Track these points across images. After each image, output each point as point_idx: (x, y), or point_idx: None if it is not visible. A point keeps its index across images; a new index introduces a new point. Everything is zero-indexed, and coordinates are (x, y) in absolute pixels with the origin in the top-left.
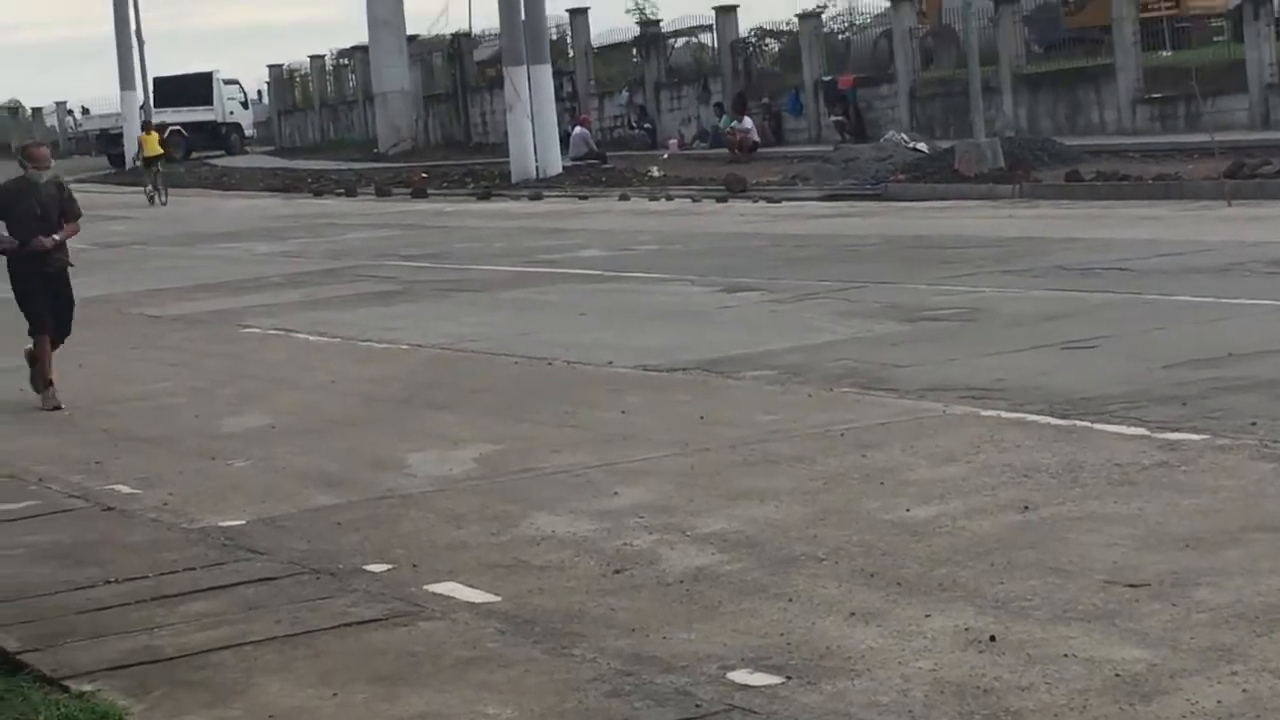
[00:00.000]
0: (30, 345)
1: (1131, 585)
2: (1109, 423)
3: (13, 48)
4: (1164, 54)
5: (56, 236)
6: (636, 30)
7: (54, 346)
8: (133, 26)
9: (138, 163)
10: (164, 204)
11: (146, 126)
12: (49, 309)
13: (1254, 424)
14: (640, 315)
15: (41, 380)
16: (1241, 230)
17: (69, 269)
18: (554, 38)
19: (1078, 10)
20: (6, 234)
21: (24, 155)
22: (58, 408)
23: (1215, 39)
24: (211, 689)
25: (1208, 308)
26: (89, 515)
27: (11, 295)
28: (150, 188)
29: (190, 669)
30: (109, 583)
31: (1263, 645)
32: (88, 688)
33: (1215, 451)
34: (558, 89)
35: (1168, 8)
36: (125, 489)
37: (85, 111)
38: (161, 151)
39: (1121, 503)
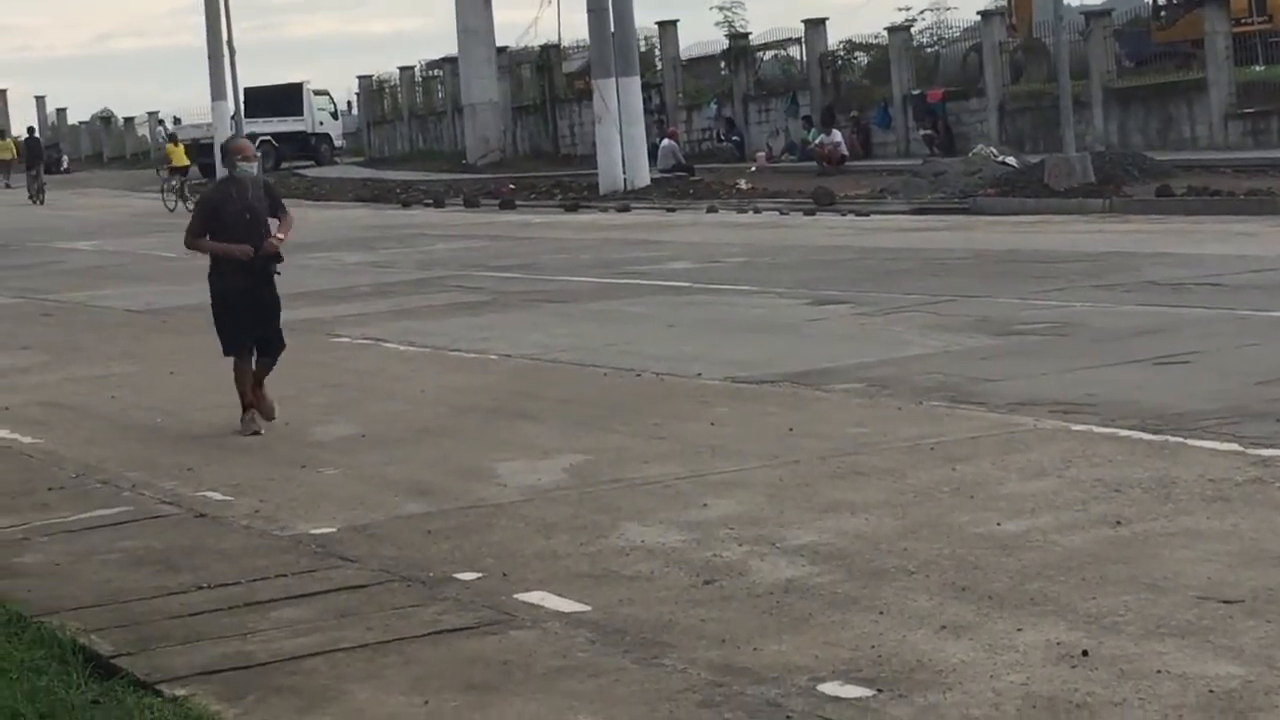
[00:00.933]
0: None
1: (1225, 601)
2: (1202, 438)
3: (106, 57)
4: (1257, 68)
5: (280, 235)
6: (725, 43)
7: (266, 363)
8: (224, 37)
9: (162, 173)
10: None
11: (173, 139)
12: (253, 325)
13: None
14: (728, 327)
15: (244, 401)
16: None
17: (276, 275)
18: (642, 50)
19: (1169, 24)
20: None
21: (227, 151)
22: (256, 433)
23: None
24: (303, 695)
25: None
26: (181, 521)
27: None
28: (172, 197)
29: (282, 675)
30: (201, 588)
31: None
32: (181, 692)
33: None
34: (646, 101)
35: (1261, 22)
36: (217, 496)
37: (177, 121)
38: (187, 163)
39: (1215, 519)
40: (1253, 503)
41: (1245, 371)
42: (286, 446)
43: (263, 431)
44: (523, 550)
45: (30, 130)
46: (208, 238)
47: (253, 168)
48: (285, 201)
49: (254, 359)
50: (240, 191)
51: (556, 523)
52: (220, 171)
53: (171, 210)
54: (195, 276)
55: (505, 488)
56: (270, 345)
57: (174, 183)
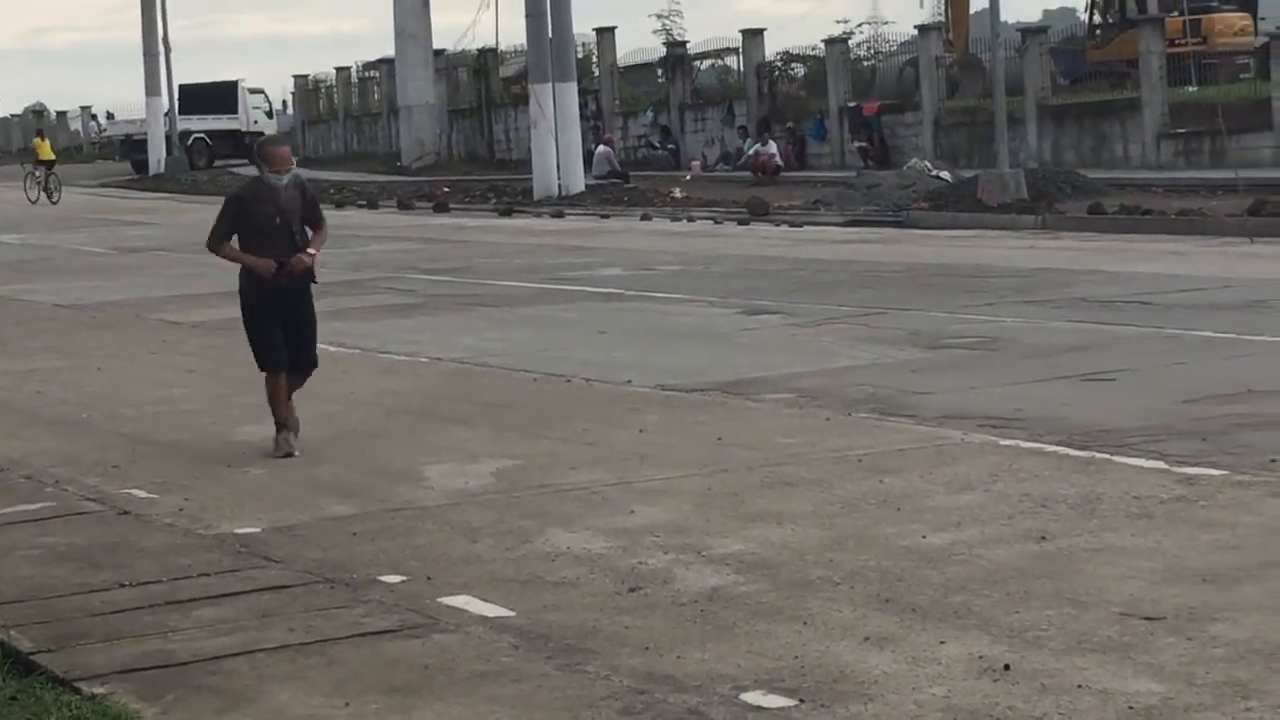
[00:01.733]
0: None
1: (1147, 618)
2: (1128, 455)
3: (41, 51)
4: (1190, 89)
5: (311, 250)
6: (663, 51)
7: (296, 381)
8: (160, 33)
9: (27, 166)
10: (54, 203)
11: (40, 133)
12: (287, 340)
13: (1274, 461)
14: (660, 335)
15: (278, 420)
16: (1264, 268)
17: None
18: (580, 56)
19: (1104, 43)
20: (235, 246)
21: (261, 156)
22: (290, 454)
23: (1242, 76)
24: (224, 695)
25: (1229, 344)
26: (105, 519)
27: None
28: (35, 189)
29: (203, 674)
30: (123, 586)
31: (1278, 681)
32: (100, 690)
33: (1234, 487)
34: (582, 107)
35: (1195, 44)
36: (141, 493)
37: (110, 117)
38: (54, 157)
39: (1139, 535)
40: (1176, 520)
41: (1172, 390)
42: (212, 445)
43: (296, 453)
44: (448, 554)
45: None
46: (234, 242)
47: (284, 179)
48: (217, 200)
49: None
50: (272, 192)
51: (482, 527)
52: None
53: (34, 202)
54: (124, 272)
55: (432, 491)
56: (302, 363)
57: (38, 174)
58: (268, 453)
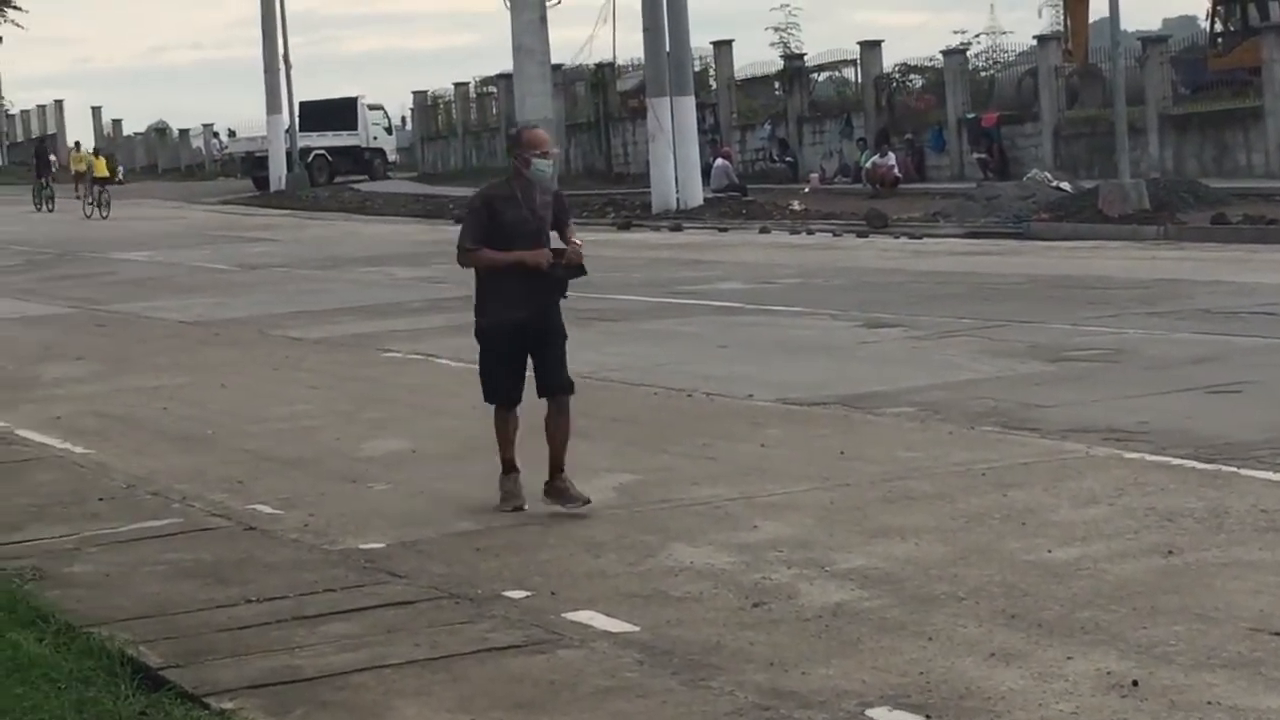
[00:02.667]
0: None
1: (1277, 633)
2: (1255, 468)
3: (162, 69)
4: None
5: (577, 240)
6: (780, 63)
7: (558, 416)
8: (280, 50)
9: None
10: (104, 218)
11: (98, 152)
12: (536, 363)
13: None
14: (780, 349)
15: (504, 460)
16: None
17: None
18: (697, 69)
19: (1226, 52)
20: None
21: (518, 142)
22: (520, 508)
23: None
24: (350, 710)
25: None
26: (231, 534)
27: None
28: (90, 202)
29: (330, 690)
30: (250, 602)
31: None
32: (228, 705)
33: None
34: (700, 120)
35: None
36: (267, 509)
37: (231, 134)
38: (108, 175)
39: (1268, 550)
40: None
41: None
42: (336, 461)
43: (525, 507)
44: (571, 569)
45: (40, 139)
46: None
47: (549, 167)
48: (353, 217)
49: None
50: (526, 194)
51: (605, 542)
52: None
53: (88, 218)
54: (246, 290)
55: (555, 506)
56: (553, 386)
57: (91, 192)
58: (500, 503)
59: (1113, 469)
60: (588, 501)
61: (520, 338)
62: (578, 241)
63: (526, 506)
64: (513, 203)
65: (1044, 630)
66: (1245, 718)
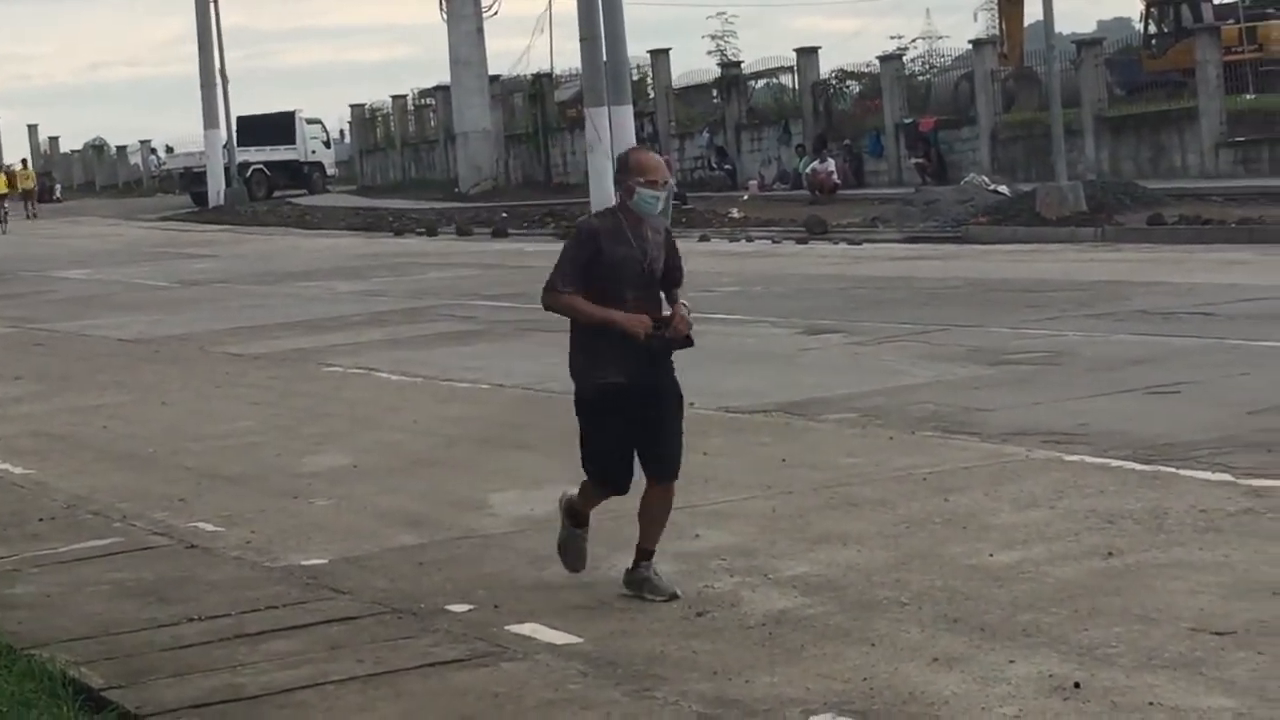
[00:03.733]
0: (575, 492)
1: (1218, 633)
2: (1194, 469)
3: (99, 86)
4: (1247, 97)
5: (685, 304)
6: (717, 71)
7: (661, 494)
8: (217, 65)
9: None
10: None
11: (25, 163)
12: (643, 434)
13: None
14: (721, 357)
15: (576, 517)
16: None
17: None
18: (635, 78)
19: (1160, 54)
20: (576, 299)
21: (624, 167)
22: (577, 570)
23: None
24: None
25: None
26: (172, 553)
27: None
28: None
29: (272, 708)
30: (192, 620)
31: None
32: None
33: None
34: (638, 129)
35: (1251, 51)
36: (208, 527)
37: (169, 150)
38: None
39: (1207, 550)
40: (1245, 533)
41: (1236, 401)
42: (278, 477)
43: (582, 568)
44: (515, 582)
45: None
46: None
47: (659, 200)
48: (292, 231)
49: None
50: (636, 230)
51: (549, 554)
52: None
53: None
54: (185, 306)
55: (498, 518)
56: (664, 464)
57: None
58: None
59: (1053, 471)
60: (676, 596)
61: (631, 411)
62: (686, 305)
63: (581, 568)
64: (620, 240)
65: (986, 634)
66: (1186, 718)
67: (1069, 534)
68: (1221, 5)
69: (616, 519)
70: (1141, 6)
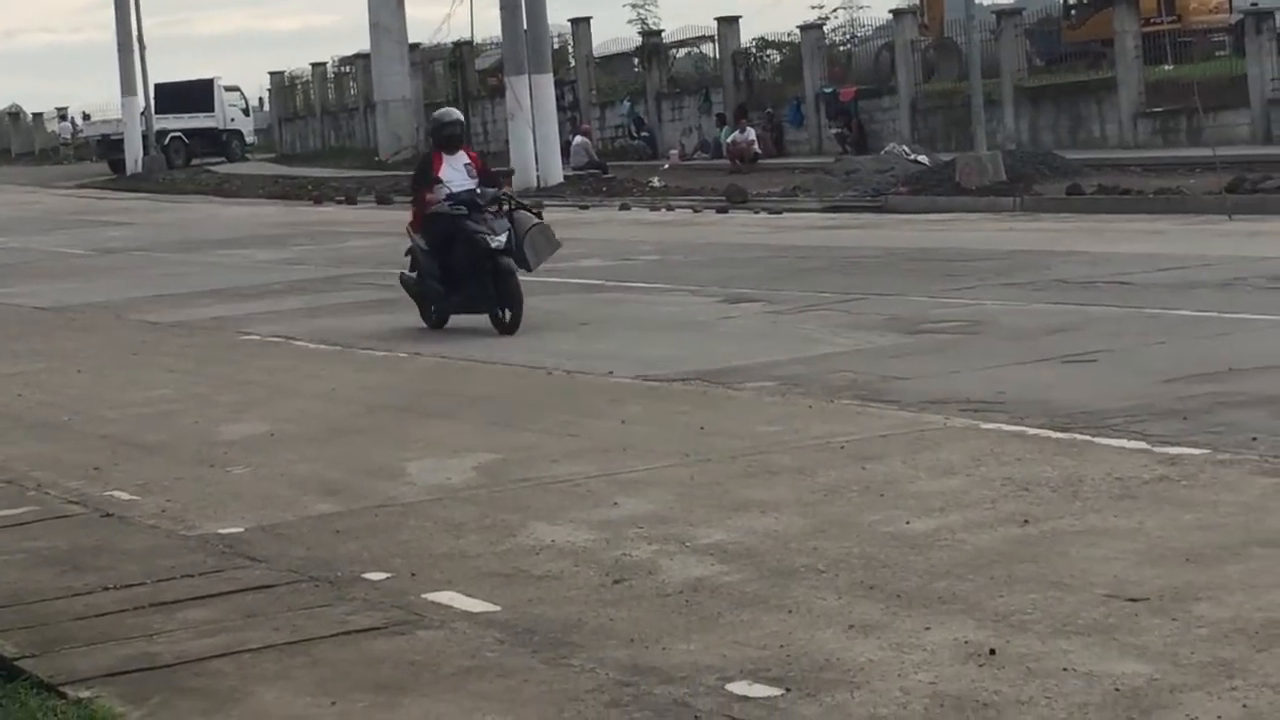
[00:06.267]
0: None
1: (1131, 599)
2: (1110, 436)
3: (14, 52)
4: (1166, 68)
5: None
6: (638, 40)
7: None
8: (134, 32)
9: None
10: None
11: None
12: None
13: (1255, 439)
14: (641, 325)
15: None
16: (1243, 245)
17: None
18: (556, 47)
19: (1079, 24)
20: None
21: None
22: None
23: (1217, 54)
24: (209, 696)
25: (1209, 322)
26: (87, 521)
27: None
28: None
29: (188, 676)
30: (107, 589)
31: (1262, 660)
32: (85, 694)
33: (1216, 466)
34: (559, 98)
35: (1170, 22)
36: (124, 495)
37: (86, 118)
38: None
39: (1122, 517)
40: (1159, 501)
41: (1153, 370)
42: (194, 445)
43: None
44: (432, 550)
45: None
46: None
47: None
48: (211, 199)
49: None
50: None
51: (466, 522)
52: (119, 167)
53: None
54: (102, 274)
55: (415, 487)
56: None
57: None
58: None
59: (970, 439)
60: None
61: None
62: None
63: None
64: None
65: (902, 601)
66: (1100, 683)
67: (985, 501)
68: None
69: (532, 487)
70: None
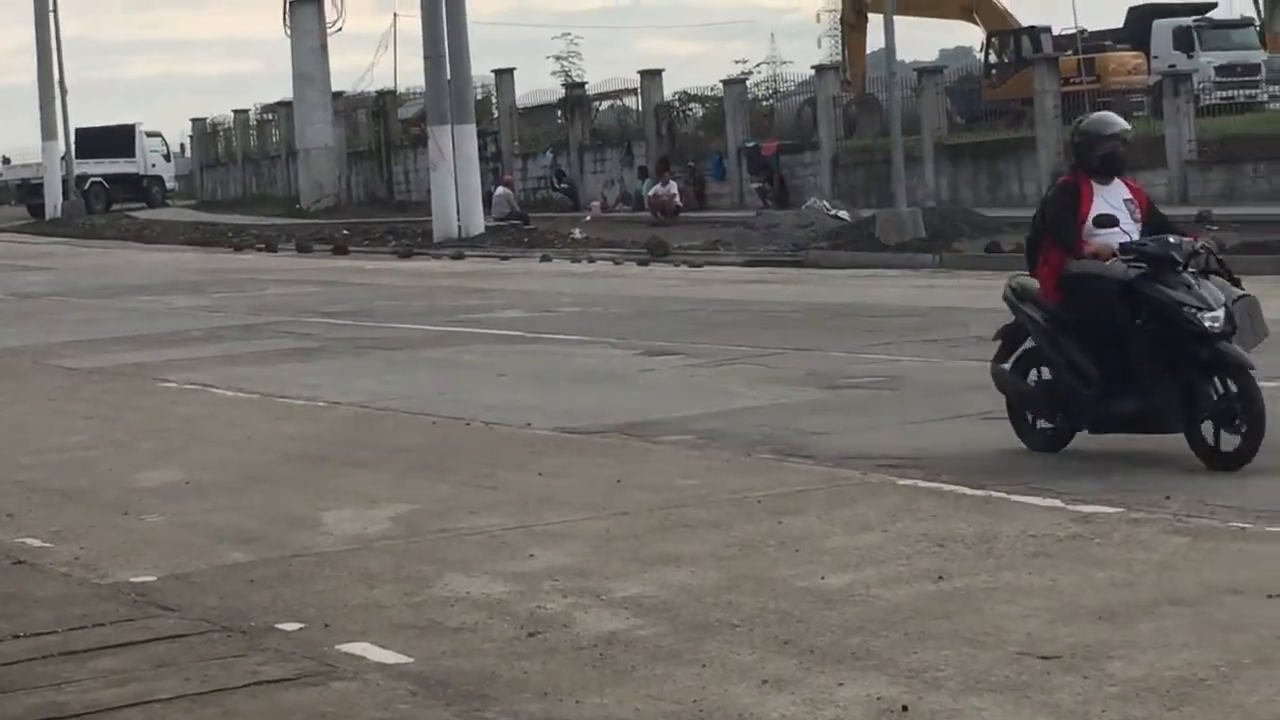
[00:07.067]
0: None
1: (1044, 657)
2: (1024, 494)
3: None
4: None
5: None
6: (561, 92)
7: None
8: (55, 76)
9: None
10: None
11: None
12: None
13: (1168, 498)
14: (560, 377)
15: None
16: None
17: None
18: (479, 97)
19: (1000, 83)
20: None
21: None
22: None
23: (1135, 114)
24: None
25: None
26: None
27: None
28: None
29: None
30: (16, 637)
31: (1173, 719)
32: None
33: (1129, 524)
34: (481, 148)
35: (1089, 82)
36: (36, 542)
37: (6, 161)
38: None
39: (1036, 574)
40: (1072, 558)
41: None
42: (109, 493)
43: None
44: (346, 600)
45: None
46: None
47: None
48: (130, 244)
49: None
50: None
51: (381, 573)
52: (38, 211)
53: None
54: (20, 319)
55: (330, 537)
56: None
57: None
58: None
59: (886, 496)
60: None
61: None
62: None
63: None
64: None
65: (816, 656)
66: None
67: (900, 557)
68: (1061, 36)
69: (449, 538)
70: (982, 36)
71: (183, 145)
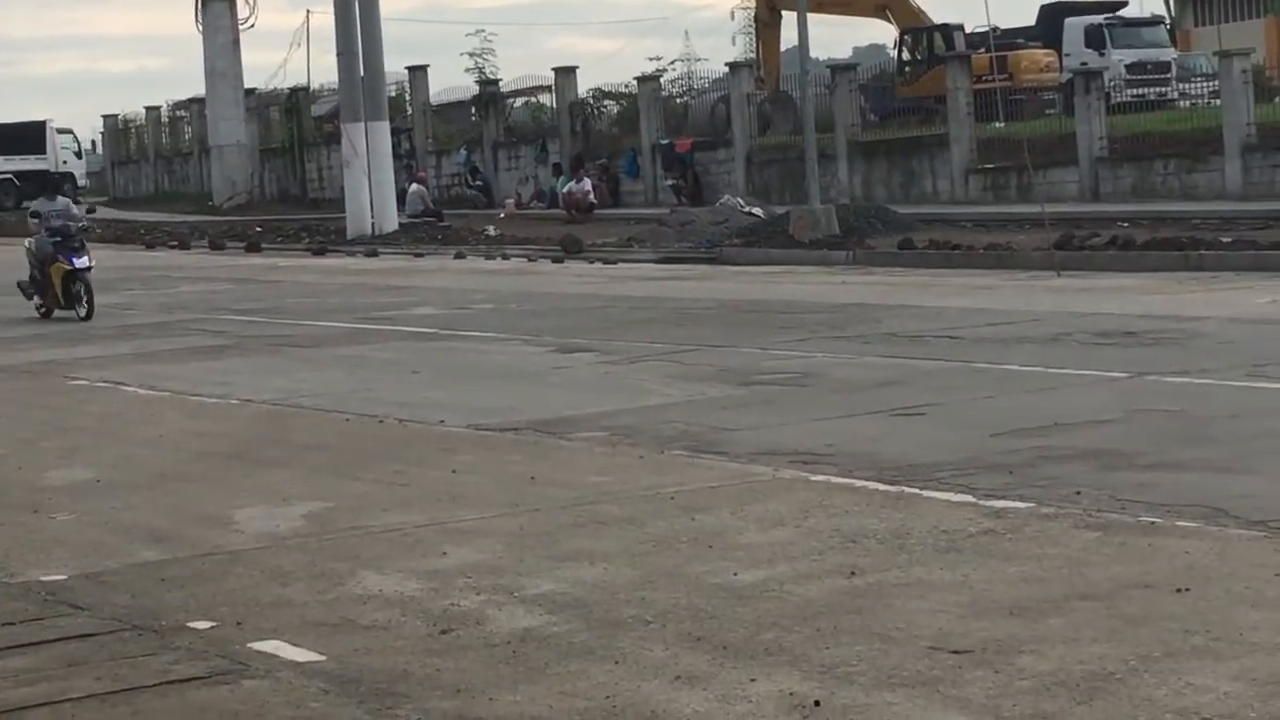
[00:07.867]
0: None
1: (955, 652)
2: (937, 489)
3: None
4: (997, 125)
5: None
6: (475, 89)
7: None
8: None
9: None
10: None
11: None
12: None
13: (1078, 493)
14: (474, 374)
15: None
16: (1070, 301)
17: None
18: (393, 94)
19: (913, 80)
20: None
21: None
22: None
23: (1047, 112)
24: None
25: (1035, 377)
26: None
27: None
28: None
29: None
30: None
31: (1083, 713)
32: None
33: (1040, 520)
34: (395, 146)
35: (1001, 80)
36: None
37: None
38: None
39: (947, 569)
40: (984, 554)
41: (980, 423)
42: (18, 491)
43: None
44: (258, 599)
45: None
46: None
47: None
48: (18, 241)
49: None
50: None
51: (293, 571)
52: None
53: None
54: None
55: (243, 534)
56: None
57: None
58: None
59: (799, 491)
60: None
61: None
62: None
63: None
64: None
65: (729, 652)
66: None
67: (813, 553)
68: (973, 34)
69: (361, 536)
70: (896, 34)
71: (94, 142)
